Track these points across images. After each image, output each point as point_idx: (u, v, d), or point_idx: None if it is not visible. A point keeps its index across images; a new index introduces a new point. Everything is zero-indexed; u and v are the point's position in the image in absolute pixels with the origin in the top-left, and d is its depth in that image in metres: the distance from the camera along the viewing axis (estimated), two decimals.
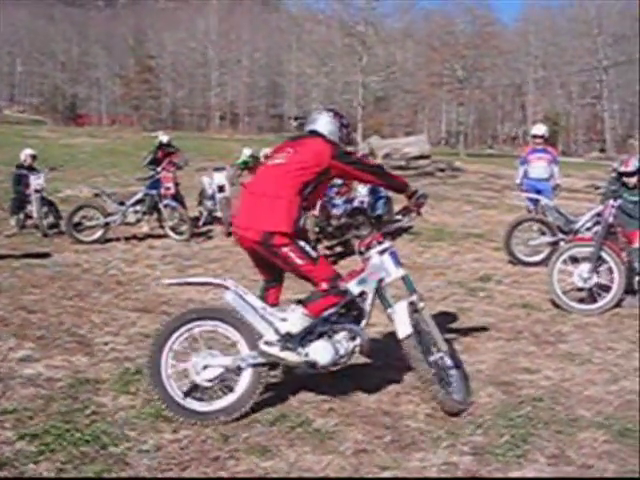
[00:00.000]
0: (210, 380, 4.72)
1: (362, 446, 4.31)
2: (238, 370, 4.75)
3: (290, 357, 4.71)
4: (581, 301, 8.01)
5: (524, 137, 65.31)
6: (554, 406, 4.98)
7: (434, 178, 26.62)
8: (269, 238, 4.68)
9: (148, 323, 6.87)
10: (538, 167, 12.02)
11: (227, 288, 4.82)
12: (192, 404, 4.67)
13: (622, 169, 8.68)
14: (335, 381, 5.33)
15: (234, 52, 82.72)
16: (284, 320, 4.76)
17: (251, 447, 4.25)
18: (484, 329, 7.04)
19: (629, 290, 8.09)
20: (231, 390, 4.74)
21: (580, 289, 8.11)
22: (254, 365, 4.73)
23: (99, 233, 12.20)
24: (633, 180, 8.50)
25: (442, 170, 28.71)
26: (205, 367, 4.70)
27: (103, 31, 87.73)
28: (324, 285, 4.80)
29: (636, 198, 8.41)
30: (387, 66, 54.72)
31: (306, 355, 4.76)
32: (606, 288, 7.92)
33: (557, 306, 7.91)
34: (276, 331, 4.71)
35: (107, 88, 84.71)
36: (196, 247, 12.02)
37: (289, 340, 4.70)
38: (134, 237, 12.58)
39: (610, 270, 7.97)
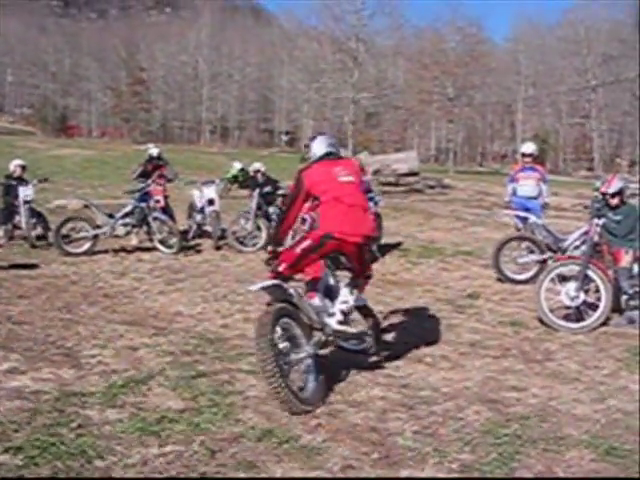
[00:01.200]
0: None
1: (349, 462, 4.29)
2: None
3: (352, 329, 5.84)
4: (569, 319, 8.02)
5: (513, 155, 65.62)
6: (542, 424, 4.98)
7: (423, 195, 26.71)
8: (368, 240, 5.82)
9: (135, 336, 6.84)
10: (527, 185, 12.05)
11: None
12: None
13: (604, 189, 8.71)
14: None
15: (225, 66, 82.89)
16: (345, 302, 5.80)
17: (238, 463, 4.22)
18: (472, 346, 7.04)
19: (616, 309, 8.12)
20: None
21: (568, 307, 8.13)
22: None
23: (87, 245, 12.15)
24: (615, 201, 8.53)
25: (431, 187, 28.82)
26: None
27: (95, 43, 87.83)
28: (368, 272, 6.14)
29: (619, 217, 8.44)
30: (378, 83, 54.97)
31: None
32: (593, 306, 7.94)
33: (545, 324, 7.92)
34: (342, 312, 5.74)
35: (98, 100, 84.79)
36: (185, 260, 11.99)
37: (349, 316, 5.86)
38: (123, 250, 12.54)
39: (597, 288, 8.01)
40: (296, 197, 5.87)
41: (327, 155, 5.95)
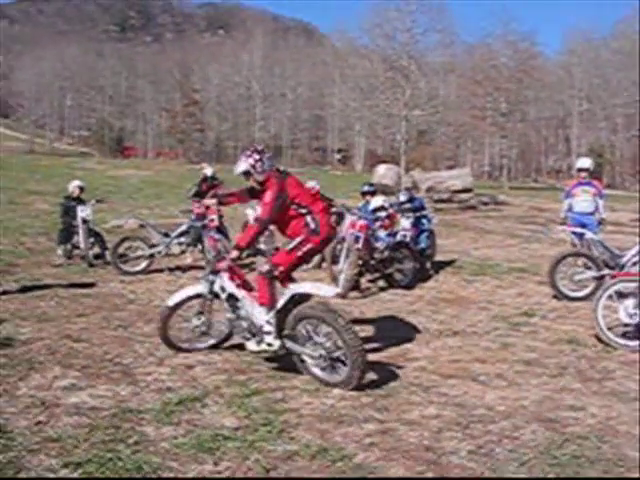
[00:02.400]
0: None
1: None
2: None
3: None
4: (627, 337, 7.86)
5: (568, 170, 64.75)
6: (600, 445, 4.88)
7: (477, 211, 26.52)
8: None
9: (190, 354, 6.91)
10: (583, 201, 11.89)
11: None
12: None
13: None
14: (376, 415, 5.31)
15: (278, 86, 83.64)
16: None
17: None
18: (528, 364, 6.95)
19: None
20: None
21: (626, 325, 7.96)
22: None
23: (144, 264, 12.33)
24: None
25: (485, 203, 28.63)
26: None
27: (150, 66, 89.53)
28: None
29: None
30: (430, 100, 54.80)
31: None
32: None
33: (602, 342, 7.77)
34: None
35: (153, 121, 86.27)
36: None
37: None
38: (178, 268, 12.69)
39: None
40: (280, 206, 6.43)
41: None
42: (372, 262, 11.17)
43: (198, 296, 6.85)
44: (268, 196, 6.42)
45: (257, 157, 6.54)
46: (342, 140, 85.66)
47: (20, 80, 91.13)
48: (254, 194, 6.84)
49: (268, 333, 6.35)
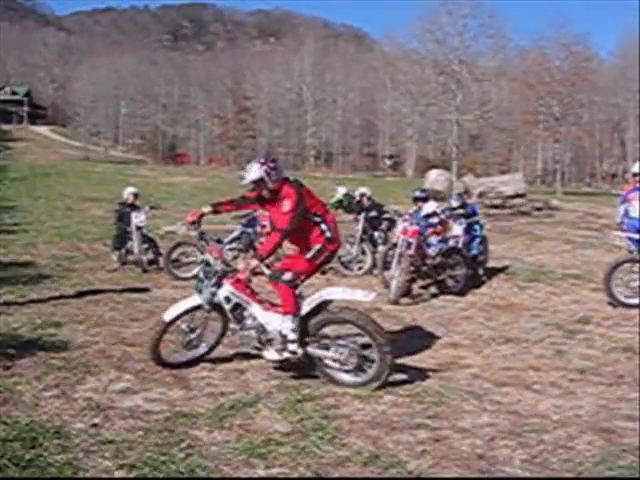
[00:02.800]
0: None
1: None
2: None
3: None
4: None
5: (623, 174, 63.54)
6: None
7: (530, 217, 26.18)
8: None
9: (243, 359, 6.95)
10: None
11: None
12: None
13: None
14: (428, 423, 5.29)
15: (329, 92, 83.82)
16: None
17: None
18: (582, 373, 6.84)
19: None
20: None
21: None
22: None
23: (196, 269, 12.44)
24: None
25: (538, 209, 28.23)
26: None
27: (202, 73, 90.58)
28: None
29: None
30: (481, 104, 54.27)
31: None
32: None
33: None
34: None
35: (205, 128, 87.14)
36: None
37: None
38: None
39: None
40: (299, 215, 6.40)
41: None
42: (424, 268, 11.12)
43: (196, 308, 6.60)
44: (287, 205, 6.34)
45: (272, 165, 6.47)
46: (393, 146, 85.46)
47: (76, 90, 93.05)
48: (249, 202, 6.96)
49: (293, 341, 6.32)
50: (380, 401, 5.80)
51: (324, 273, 13.10)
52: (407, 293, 10.81)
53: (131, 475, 4.24)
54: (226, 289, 6.50)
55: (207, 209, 6.81)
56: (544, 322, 9.36)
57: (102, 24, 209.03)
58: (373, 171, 77.79)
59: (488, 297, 11.17)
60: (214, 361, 6.85)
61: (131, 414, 5.33)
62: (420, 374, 6.57)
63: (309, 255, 6.50)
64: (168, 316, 6.51)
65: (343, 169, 79.16)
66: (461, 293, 11.15)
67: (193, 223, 6.73)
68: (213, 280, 6.48)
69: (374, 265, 12.74)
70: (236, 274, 6.56)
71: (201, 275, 6.64)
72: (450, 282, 11.35)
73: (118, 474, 4.25)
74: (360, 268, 13.19)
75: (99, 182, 37.25)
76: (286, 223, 6.32)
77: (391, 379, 6.20)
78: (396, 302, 10.35)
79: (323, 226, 6.55)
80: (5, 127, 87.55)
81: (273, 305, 6.58)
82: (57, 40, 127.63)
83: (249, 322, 6.51)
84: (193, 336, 6.66)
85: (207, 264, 6.59)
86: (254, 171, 6.46)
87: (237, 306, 6.54)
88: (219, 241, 12.62)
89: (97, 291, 10.64)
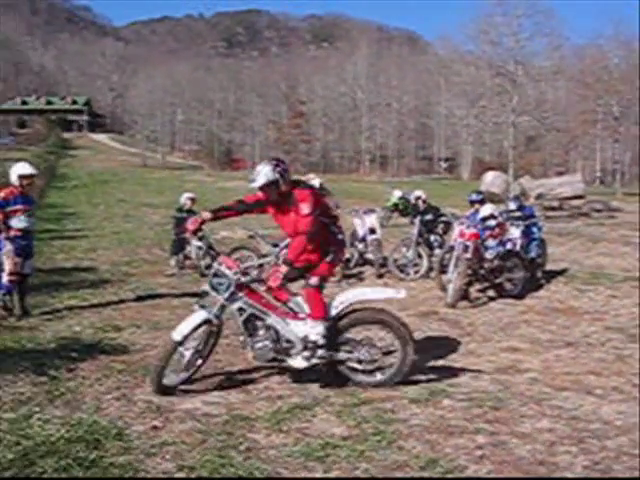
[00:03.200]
0: None
1: None
2: None
3: None
4: None
5: None
6: None
7: (589, 219, 25.76)
8: None
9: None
10: None
11: None
12: None
13: None
14: (487, 427, 5.25)
15: (384, 95, 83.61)
16: None
17: None
18: None
19: None
20: None
21: None
22: None
23: (254, 273, 12.52)
24: None
25: (598, 210, 27.74)
26: None
27: (257, 79, 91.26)
28: None
29: None
30: (538, 105, 53.61)
31: None
32: None
33: None
34: None
35: (261, 133, 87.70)
36: (347, 288, 12.11)
37: None
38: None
39: None
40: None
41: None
42: (481, 271, 11.03)
43: (205, 323, 6.12)
44: (306, 208, 6.21)
45: (285, 167, 6.33)
46: (449, 148, 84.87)
47: (133, 98, 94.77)
48: (250, 207, 6.69)
49: (322, 346, 6.26)
50: (438, 405, 5.77)
51: (381, 277, 13.09)
52: (465, 297, 10.73)
53: (192, 476, 4.30)
54: (241, 300, 6.22)
55: (208, 216, 6.46)
56: (604, 326, 9.21)
57: (158, 33, 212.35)
58: (429, 174, 77.41)
59: (547, 300, 11.02)
60: (272, 365, 6.88)
61: (190, 417, 5.39)
62: (478, 378, 6.51)
63: (329, 258, 6.44)
64: (179, 335, 5.95)
65: (398, 172, 78.86)
66: (519, 296, 11.02)
67: (195, 232, 6.55)
68: (226, 293, 6.14)
69: (430, 268, 12.68)
70: (254, 284, 6.44)
71: (209, 288, 6.26)
72: (508, 285, 11.22)
73: (178, 475, 4.31)
74: (416, 272, 13.13)
75: (156, 188, 37.77)
76: (308, 225, 6.19)
77: (448, 382, 6.18)
78: (453, 305, 10.29)
79: (334, 229, 6.51)
80: (66, 135, 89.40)
81: (293, 312, 6.44)
82: (115, 50, 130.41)
83: (262, 332, 6.30)
84: (194, 354, 6.19)
85: (216, 275, 6.25)
86: (268, 173, 6.22)
87: (251, 317, 6.29)
88: (275, 245, 12.78)
89: (155, 295, 10.83)
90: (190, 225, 6.51)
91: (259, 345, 6.27)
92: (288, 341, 6.29)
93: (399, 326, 6.24)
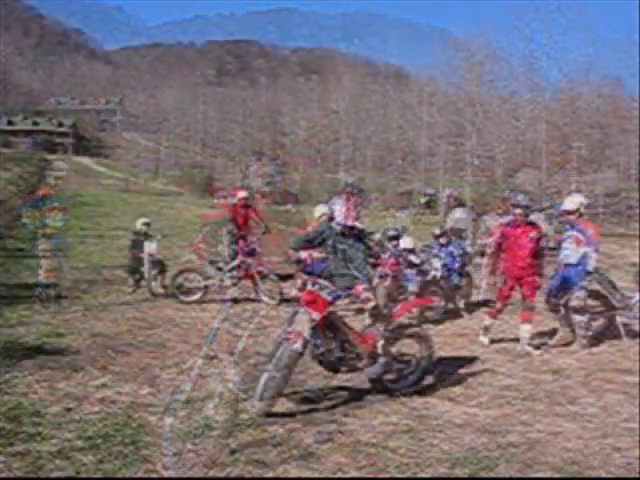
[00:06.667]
0: None
1: None
2: None
3: None
4: None
5: None
6: None
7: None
8: None
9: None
10: None
11: None
12: None
13: None
14: (519, 428, 5.95)
15: (364, 130, 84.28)
16: None
17: None
18: None
19: None
20: None
21: None
22: None
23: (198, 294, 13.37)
24: None
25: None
26: None
27: (242, 109, 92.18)
28: None
29: None
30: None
31: None
32: None
33: None
34: None
35: (242, 162, 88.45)
36: None
37: None
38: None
39: None
40: None
41: None
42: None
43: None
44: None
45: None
46: (428, 184, 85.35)
47: (119, 123, 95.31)
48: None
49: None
50: (469, 403, 6.56)
51: None
52: None
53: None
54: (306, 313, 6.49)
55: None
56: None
57: (148, 59, 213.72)
58: (407, 209, 77.80)
59: (459, 327, 11.65)
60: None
61: (101, 402, 6.40)
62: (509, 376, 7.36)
63: None
64: (301, 346, 6.31)
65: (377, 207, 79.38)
66: (437, 322, 11.74)
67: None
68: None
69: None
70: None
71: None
72: (428, 312, 12.06)
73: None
74: None
75: (135, 211, 38.36)
76: None
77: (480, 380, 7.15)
78: None
79: None
80: (50, 157, 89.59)
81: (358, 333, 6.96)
82: (104, 74, 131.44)
83: (319, 341, 6.62)
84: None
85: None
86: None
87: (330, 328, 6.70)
88: (219, 269, 13.59)
89: (104, 309, 11.84)
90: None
91: (325, 357, 6.81)
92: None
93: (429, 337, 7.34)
